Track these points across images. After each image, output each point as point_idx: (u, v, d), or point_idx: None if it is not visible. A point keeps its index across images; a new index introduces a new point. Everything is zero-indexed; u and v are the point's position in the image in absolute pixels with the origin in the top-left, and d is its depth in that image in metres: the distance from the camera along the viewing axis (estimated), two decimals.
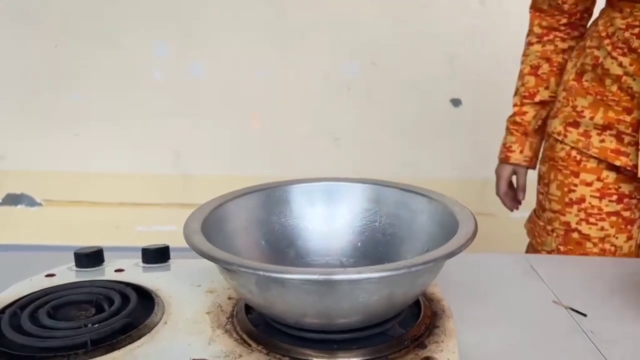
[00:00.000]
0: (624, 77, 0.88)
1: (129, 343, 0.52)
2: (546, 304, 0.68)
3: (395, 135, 2.11)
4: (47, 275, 0.67)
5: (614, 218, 0.95)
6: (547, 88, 1.05)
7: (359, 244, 0.65)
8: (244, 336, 0.53)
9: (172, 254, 0.72)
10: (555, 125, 1.00)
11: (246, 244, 0.61)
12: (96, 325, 0.53)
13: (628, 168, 0.91)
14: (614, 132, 0.92)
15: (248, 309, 0.57)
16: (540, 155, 1.08)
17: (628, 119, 0.90)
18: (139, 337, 0.53)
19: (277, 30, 2.05)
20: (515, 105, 1.08)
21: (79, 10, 2.04)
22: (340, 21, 2.02)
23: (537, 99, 1.06)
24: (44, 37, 2.07)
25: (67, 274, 0.67)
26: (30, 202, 2.23)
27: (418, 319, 0.55)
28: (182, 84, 2.10)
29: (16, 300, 0.59)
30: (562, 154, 0.98)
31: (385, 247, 0.63)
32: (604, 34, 0.92)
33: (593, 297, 0.70)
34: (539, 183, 1.06)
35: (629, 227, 0.96)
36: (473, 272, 0.76)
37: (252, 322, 0.54)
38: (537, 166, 1.09)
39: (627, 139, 0.91)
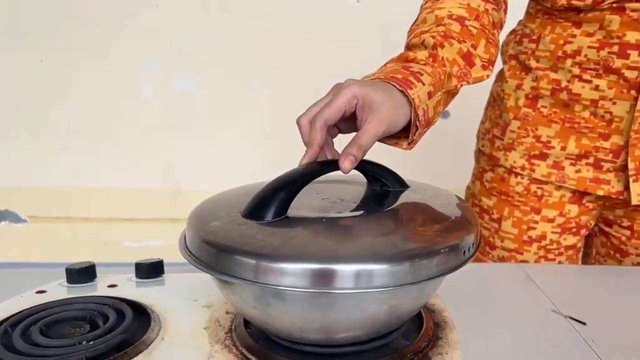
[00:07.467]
0: (601, 102, 0.81)
1: None
2: (545, 313, 0.68)
3: (383, 147, 2.11)
4: (37, 292, 0.65)
5: (570, 252, 0.93)
6: None
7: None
8: (244, 351, 0.52)
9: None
10: (515, 159, 0.90)
11: None
12: (91, 343, 0.51)
13: (612, 196, 0.86)
14: (590, 160, 0.86)
15: (247, 323, 0.56)
16: (479, 185, 0.97)
17: (607, 145, 0.84)
18: (136, 354, 0.51)
19: (267, 45, 2.05)
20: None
21: (67, 25, 2.02)
22: (330, 35, 2.03)
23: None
24: (30, 52, 2.05)
25: (59, 290, 0.66)
26: (15, 218, 2.19)
27: (420, 330, 0.54)
28: (172, 99, 2.09)
29: (7, 318, 0.57)
30: (520, 188, 0.90)
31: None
32: (560, 54, 0.83)
33: (591, 306, 0.70)
34: (481, 217, 0.95)
35: (578, 255, 0.95)
36: (470, 282, 0.75)
37: (252, 337, 0.53)
38: (474, 195, 0.98)
39: (606, 166, 0.85)
